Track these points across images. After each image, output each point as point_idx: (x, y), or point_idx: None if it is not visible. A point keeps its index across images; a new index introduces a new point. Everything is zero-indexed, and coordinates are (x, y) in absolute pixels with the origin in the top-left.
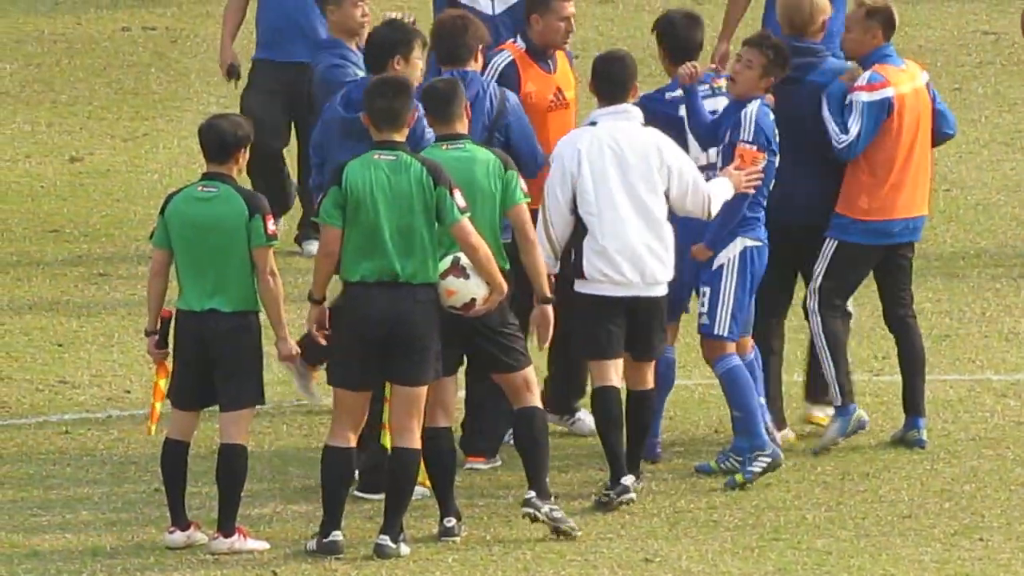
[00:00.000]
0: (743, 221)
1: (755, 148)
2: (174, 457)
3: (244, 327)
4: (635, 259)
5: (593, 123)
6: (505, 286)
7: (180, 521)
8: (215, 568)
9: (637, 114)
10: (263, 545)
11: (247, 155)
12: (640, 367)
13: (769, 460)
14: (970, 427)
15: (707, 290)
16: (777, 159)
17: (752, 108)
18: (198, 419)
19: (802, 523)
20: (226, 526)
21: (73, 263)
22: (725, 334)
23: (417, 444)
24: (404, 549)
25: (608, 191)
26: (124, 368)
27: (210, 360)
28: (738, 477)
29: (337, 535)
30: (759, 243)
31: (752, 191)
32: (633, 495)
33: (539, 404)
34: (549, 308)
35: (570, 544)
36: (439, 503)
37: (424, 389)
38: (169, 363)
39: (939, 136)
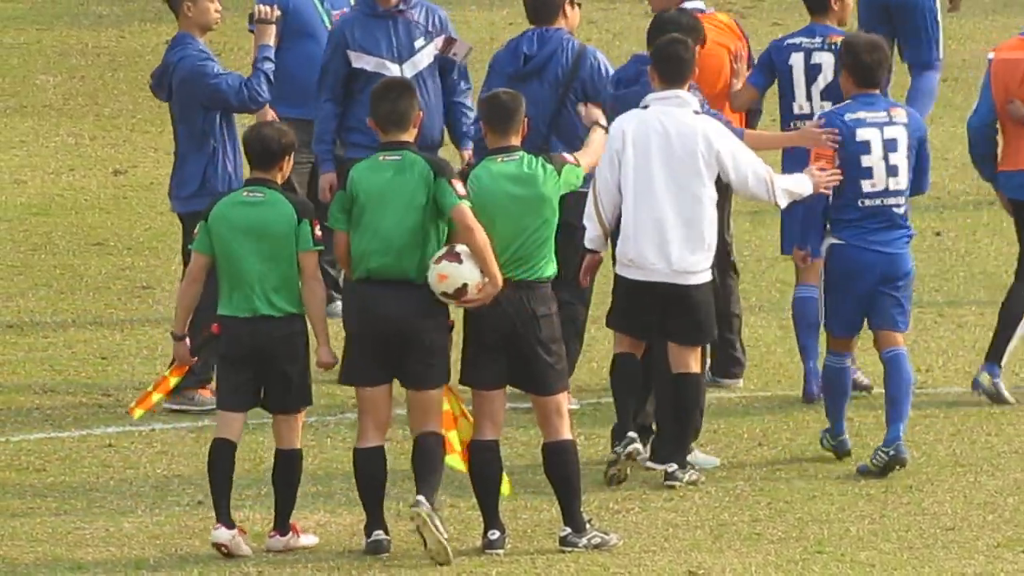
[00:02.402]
0: (838, 222)
1: None
2: (223, 456)
3: (297, 332)
4: (663, 245)
5: (646, 107)
6: (500, 278)
7: (226, 520)
8: None
9: (690, 101)
10: (313, 540)
11: (291, 163)
12: (681, 350)
13: (836, 448)
14: (1014, 440)
15: None
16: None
17: None
18: (245, 420)
19: (846, 536)
20: (282, 526)
21: (117, 276)
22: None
23: (439, 429)
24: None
25: (648, 175)
26: None
27: (262, 365)
28: (870, 463)
29: (379, 534)
30: (842, 242)
31: (828, 192)
32: (638, 446)
33: (569, 436)
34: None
35: (614, 557)
36: (483, 515)
37: (437, 393)
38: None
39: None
